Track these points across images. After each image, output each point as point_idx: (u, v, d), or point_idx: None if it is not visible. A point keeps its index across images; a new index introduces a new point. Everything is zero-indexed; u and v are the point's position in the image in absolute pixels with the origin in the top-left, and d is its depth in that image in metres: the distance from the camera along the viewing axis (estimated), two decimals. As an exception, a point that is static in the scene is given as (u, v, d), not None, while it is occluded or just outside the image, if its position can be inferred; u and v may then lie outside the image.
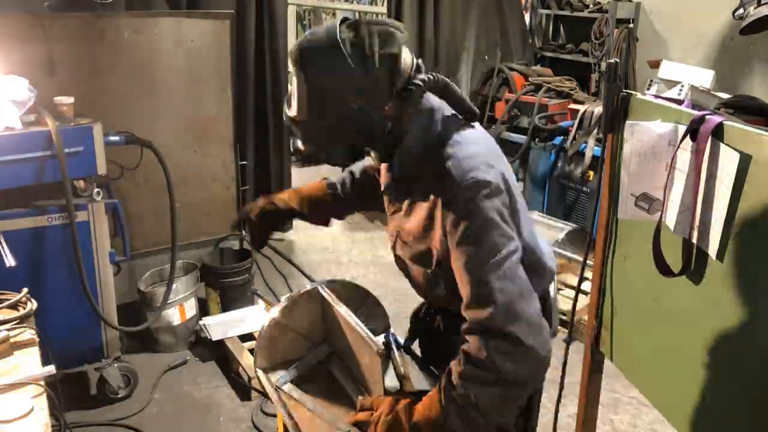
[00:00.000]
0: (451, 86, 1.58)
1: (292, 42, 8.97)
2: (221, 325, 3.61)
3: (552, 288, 1.80)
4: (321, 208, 2.04)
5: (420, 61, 1.56)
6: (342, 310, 1.75)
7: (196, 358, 3.57)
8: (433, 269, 1.60)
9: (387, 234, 1.80)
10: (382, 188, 1.79)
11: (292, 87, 1.52)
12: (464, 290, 1.46)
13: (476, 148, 1.52)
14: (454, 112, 1.61)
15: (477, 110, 1.62)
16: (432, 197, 1.53)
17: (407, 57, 1.51)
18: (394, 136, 1.54)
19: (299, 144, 1.62)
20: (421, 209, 1.57)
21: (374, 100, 1.47)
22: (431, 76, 1.53)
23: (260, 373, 1.86)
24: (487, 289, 1.40)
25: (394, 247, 1.74)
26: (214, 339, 3.51)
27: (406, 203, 1.65)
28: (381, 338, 1.81)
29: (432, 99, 1.57)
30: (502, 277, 1.41)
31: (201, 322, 3.61)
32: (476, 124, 1.65)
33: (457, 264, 1.47)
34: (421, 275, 1.68)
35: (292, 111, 1.53)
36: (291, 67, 1.51)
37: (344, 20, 1.50)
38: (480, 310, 1.41)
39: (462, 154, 1.49)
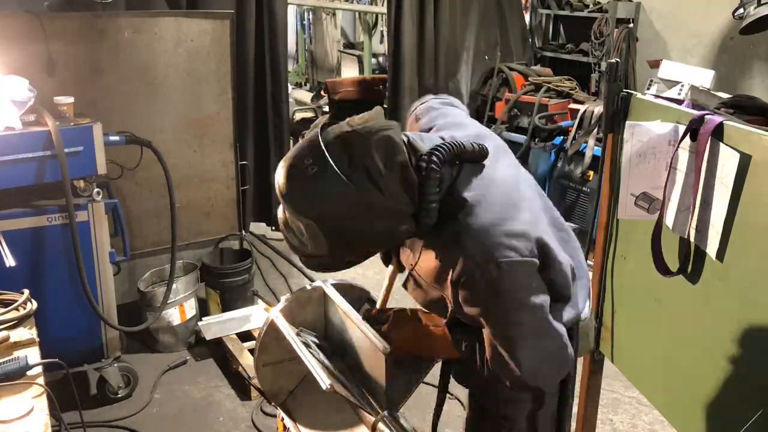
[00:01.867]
0: (460, 148, 1.40)
1: (292, 42, 8.98)
2: (220, 325, 3.61)
3: (586, 308, 1.64)
4: None
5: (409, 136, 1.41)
6: (347, 309, 1.75)
7: (196, 358, 3.56)
8: (448, 319, 1.53)
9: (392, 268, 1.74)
10: None
11: (297, 225, 1.37)
12: (488, 343, 1.42)
13: (494, 212, 1.36)
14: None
15: (484, 149, 1.44)
16: (447, 255, 1.41)
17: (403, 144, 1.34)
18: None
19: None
20: (435, 256, 1.45)
21: (398, 215, 1.34)
22: (433, 154, 1.35)
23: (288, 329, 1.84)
24: (512, 361, 1.38)
25: (405, 286, 1.65)
26: (208, 338, 3.51)
27: (420, 245, 1.53)
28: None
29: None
30: (527, 347, 1.38)
31: (199, 323, 3.62)
32: (492, 161, 1.47)
33: (481, 323, 1.41)
34: (433, 319, 1.62)
35: (307, 248, 1.40)
36: (284, 204, 1.36)
37: (324, 131, 1.33)
38: (505, 372, 1.41)
39: (477, 224, 1.34)
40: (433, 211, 1.35)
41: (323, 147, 1.29)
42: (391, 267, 1.77)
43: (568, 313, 1.48)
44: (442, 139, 1.45)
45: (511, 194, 1.43)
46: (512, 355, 1.37)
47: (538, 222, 1.43)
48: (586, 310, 1.61)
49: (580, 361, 2.13)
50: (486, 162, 1.45)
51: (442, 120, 1.61)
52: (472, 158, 1.43)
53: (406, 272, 1.62)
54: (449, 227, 1.38)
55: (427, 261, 1.49)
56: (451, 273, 1.38)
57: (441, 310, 1.53)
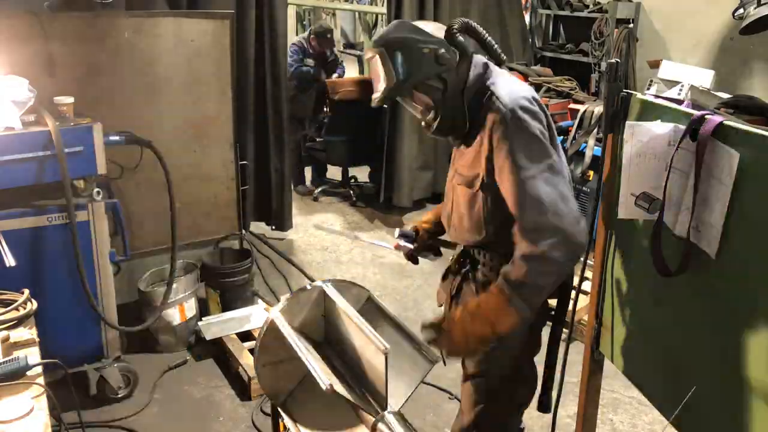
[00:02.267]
0: (481, 31, 1.83)
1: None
2: (220, 325, 3.61)
3: None
4: None
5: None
6: (347, 309, 1.75)
7: (196, 358, 3.57)
8: (476, 189, 1.83)
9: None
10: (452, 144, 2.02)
11: (374, 69, 1.81)
12: (511, 198, 1.71)
13: (516, 84, 1.82)
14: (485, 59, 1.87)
15: (504, 56, 1.87)
16: (483, 130, 1.78)
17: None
18: (462, 82, 1.81)
19: (425, 121, 1.91)
20: (474, 143, 1.83)
21: (439, 42, 1.78)
22: (462, 21, 1.80)
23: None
24: (534, 197, 1.66)
25: (450, 180, 2.00)
26: (208, 338, 3.52)
27: (464, 147, 1.89)
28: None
29: (474, 56, 1.85)
30: (545, 181, 1.68)
31: (199, 323, 3.62)
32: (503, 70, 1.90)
33: (504, 174, 1.71)
34: (464, 197, 1.89)
35: (381, 84, 1.81)
36: (371, 55, 1.81)
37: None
38: (529, 211, 1.67)
39: (506, 85, 1.79)
40: (458, 40, 1.79)
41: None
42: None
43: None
44: None
45: (524, 84, 1.88)
46: (533, 189, 1.66)
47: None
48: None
49: (575, 359, 2.13)
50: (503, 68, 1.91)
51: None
52: (491, 54, 1.85)
53: (453, 172, 1.97)
54: (483, 99, 1.79)
55: (468, 153, 1.86)
56: (487, 134, 1.75)
57: (473, 183, 1.85)
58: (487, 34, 1.85)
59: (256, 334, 3.44)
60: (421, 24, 1.87)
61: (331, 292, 1.85)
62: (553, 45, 6.57)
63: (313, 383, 1.82)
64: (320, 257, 4.89)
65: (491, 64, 1.87)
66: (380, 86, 1.82)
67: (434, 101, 1.83)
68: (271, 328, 1.86)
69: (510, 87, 1.79)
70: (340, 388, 1.66)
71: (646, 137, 1.64)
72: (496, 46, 1.85)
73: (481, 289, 1.88)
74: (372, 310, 1.98)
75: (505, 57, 1.88)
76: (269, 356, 1.91)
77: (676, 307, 1.68)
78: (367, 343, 1.66)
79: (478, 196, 1.84)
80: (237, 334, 3.55)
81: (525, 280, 1.68)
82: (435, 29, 1.83)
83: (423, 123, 1.94)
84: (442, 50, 1.78)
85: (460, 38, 1.79)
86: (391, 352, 1.58)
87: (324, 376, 1.63)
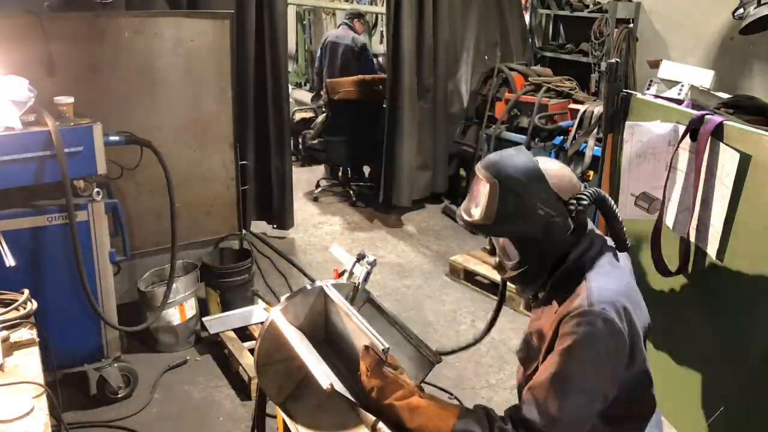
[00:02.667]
0: (609, 202, 1.62)
1: (292, 42, 8.98)
2: (222, 320, 3.63)
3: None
4: None
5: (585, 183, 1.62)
6: (347, 309, 1.75)
7: (196, 358, 3.57)
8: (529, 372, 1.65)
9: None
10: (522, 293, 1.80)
11: (478, 193, 1.62)
12: (535, 390, 1.50)
13: (618, 285, 1.55)
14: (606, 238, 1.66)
15: (629, 241, 1.63)
16: (560, 308, 1.56)
17: (575, 177, 1.61)
18: (562, 252, 1.60)
19: (502, 263, 1.70)
20: (545, 319, 1.61)
21: (558, 210, 1.56)
22: (596, 191, 1.58)
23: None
24: (551, 404, 1.46)
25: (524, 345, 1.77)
26: (212, 332, 3.53)
27: (541, 309, 1.68)
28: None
29: (592, 231, 1.63)
30: (576, 402, 1.46)
31: (203, 318, 3.64)
32: (622, 256, 1.66)
33: (544, 365, 1.52)
34: (521, 377, 1.72)
35: (476, 214, 1.61)
36: (482, 176, 1.60)
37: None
38: (536, 412, 1.48)
39: (602, 283, 1.53)
40: (582, 214, 1.56)
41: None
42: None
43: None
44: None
45: (635, 291, 1.60)
46: (561, 399, 1.45)
47: (642, 312, 1.59)
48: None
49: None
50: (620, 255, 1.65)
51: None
52: (615, 236, 1.63)
53: (527, 336, 1.72)
54: (576, 281, 1.56)
55: (544, 317, 1.63)
56: (560, 311, 1.54)
57: (529, 367, 1.65)
58: (618, 213, 1.62)
59: (256, 334, 3.45)
60: (548, 166, 1.61)
61: (332, 292, 1.84)
62: (553, 45, 6.57)
63: (313, 383, 1.82)
64: (320, 257, 4.89)
65: (605, 247, 1.64)
66: (473, 211, 1.64)
67: (521, 257, 1.65)
68: (272, 328, 1.86)
69: (606, 287, 1.54)
70: (340, 388, 1.66)
71: (646, 137, 1.64)
72: (624, 228, 1.64)
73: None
74: (372, 310, 1.98)
75: (630, 243, 1.66)
76: (269, 356, 1.91)
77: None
78: (367, 342, 1.66)
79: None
80: (237, 334, 3.55)
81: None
82: (560, 179, 1.59)
83: (497, 259, 1.75)
84: (558, 219, 1.56)
85: (584, 215, 1.58)
86: (390, 352, 1.58)
87: (324, 376, 1.62)
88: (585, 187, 1.60)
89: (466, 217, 1.65)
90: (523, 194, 1.55)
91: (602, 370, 1.47)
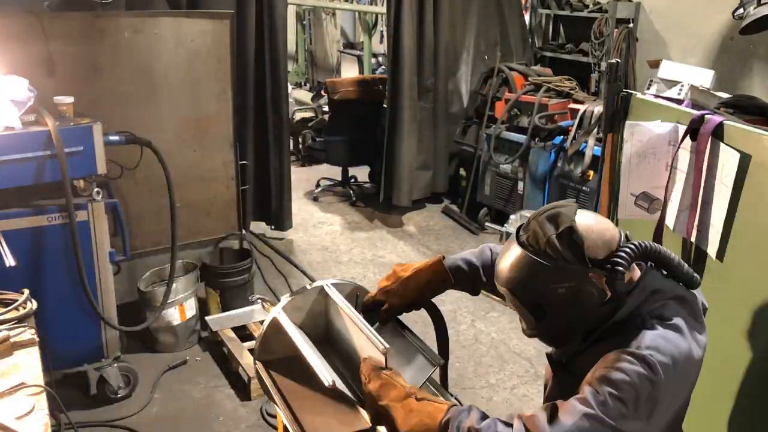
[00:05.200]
0: (665, 254, 1.45)
1: (292, 42, 8.98)
2: (224, 319, 3.64)
3: None
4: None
5: (626, 233, 1.47)
6: (347, 310, 1.75)
7: (196, 358, 3.57)
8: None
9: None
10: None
11: (515, 307, 1.51)
12: (564, 408, 1.35)
13: (679, 341, 1.39)
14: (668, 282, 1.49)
15: (697, 277, 1.48)
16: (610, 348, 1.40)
17: (610, 231, 1.43)
18: (609, 310, 1.44)
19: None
20: (597, 353, 1.43)
21: (574, 276, 1.41)
22: (637, 246, 1.41)
23: (260, 366, 1.86)
24: (569, 425, 1.32)
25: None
26: (214, 330, 3.54)
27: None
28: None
29: (647, 275, 1.46)
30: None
31: (206, 317, 3.65)
32: (696, 298, 1.50)
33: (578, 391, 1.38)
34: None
35: (529, 329, 1.52)
36: (505, 292, 1.49)
37: (519, 230, 1.48)
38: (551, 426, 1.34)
39: (662, 331, 1.38)
40: (621, 275, 1.38)
41: (516, 240, 1.46)
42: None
43: None
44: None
45: (693, 348, 1.42)
46: (575, 423, 1.31)
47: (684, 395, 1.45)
48: None
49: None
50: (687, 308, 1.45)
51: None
52: (678, 278, 1.46)
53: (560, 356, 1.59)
54: (634, 328, 1.39)
55: (589, 358, 1.45)
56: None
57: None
58: (674, 257, 1.46)
59: (255, 334, 3.45)
60: (582, 222, 1.42)
61: (332, 292, 1.84)
62: (553, 45, 6.57)
63: (313, 381, 1.82)
64: (320, 257, 4.89)
65: (671, 295, 1.45)
66: (522, 324, 1.55)
67: (538, 327, 1.51)
68: (273, 325, 1.86)
69: (667, 336, 1.37)
70: (341, 386, 1.66)
71: (646, 137, 1.64)
72: (686, 268, 1.46)
73: None
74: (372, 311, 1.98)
75: (698, 279, 1.48)
76: (270, 354, 1.91)
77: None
78: (367, 343, 1.65)
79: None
80: (237, 334, 3.55)
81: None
82: (593, 241, 1.41)
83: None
84: (588, 287, 1.40)
85: (621, 283, 1.39)
86: (392, 353, 1.58)
87: (326, 372, 1.63)
88: (625, 238, 1.45)
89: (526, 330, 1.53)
90: (533, 290, 1.44)
91: (632, 407, 1.32)
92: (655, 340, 1.36)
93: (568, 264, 1.40)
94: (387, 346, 1.56)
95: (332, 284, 1.89)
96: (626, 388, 1.31)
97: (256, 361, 1.89)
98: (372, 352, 1.64)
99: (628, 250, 1.39)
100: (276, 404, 1.78)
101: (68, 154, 2.72)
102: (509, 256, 1.47)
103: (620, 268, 1.37)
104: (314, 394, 1.78)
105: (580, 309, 1.43)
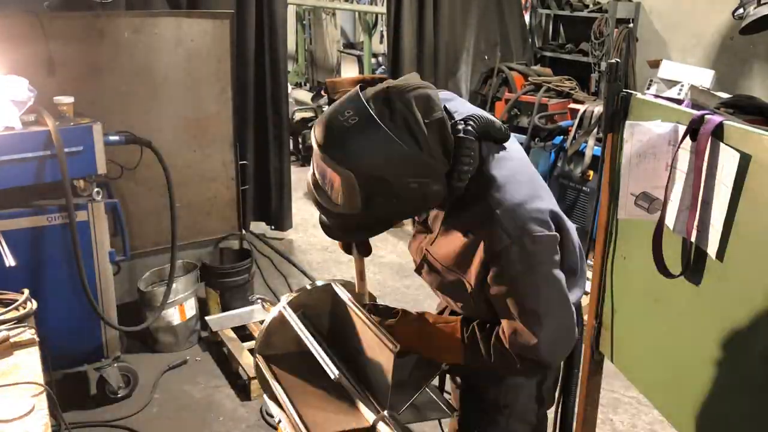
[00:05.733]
0: (488, 123, 1.44)
1: (292, 42, 8.98)
2: (224, 319, 3.64)
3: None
4: None
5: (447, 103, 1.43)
6: (357, 308, 1.75)
7: (196, 358, 3.57)
8: (464, 303, 1.56)
9: (409, 251, 1.76)
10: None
11: (330, 179, 1.37)
12: (507, 323, 1.45)
13: (524, 190, 1.42)
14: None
15: (507, 130, 1.49)
16: (473, 236, 1.44)
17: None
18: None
19: (338, 234, 1.52)
20: (457, 239, 1.48)
21: (434, 173, 1.34)
22: (468, 120, 1.39)
23: (260, 359, 1.86)
24: (535, 337, 1.41)
25: (418, 270, 1.68)
26: (214, 330, 3.54)
27: (439, 228, 1.55)
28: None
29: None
30: (551, 321, 1.43)
31: (206, 317, 3.65)
32: (509, 143, 1.52)
33: (502, 303, 1.44)
34: (450, 302, 1.66)
35: (338, 206, 1.39)
36: (322, 155, 1.35)
37: (363, 89, 1.37)
38: (525, 338, 1.43)
39: (510, 201, 1.39)
40: (465, 174, 1.36)
41: (364, 100, 1.32)
42: (355, 256, 1.79)
43: (577, 292, 1.57)
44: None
45: (531, 174, 1.53)
46: (536, 330, 1.41)
47: (551, 197, 1.54)
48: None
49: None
50: (505, 143, 1.50)
51: (462, 108, 1.56)
52: (498, 137, 1.47)
53: (420, 256, 1.64)
54: (480, 204, 1.41)
55: (446, 244, 1.51)
56: (479, 251, 1.41)
57: (458, 294, 1.55)
58: (491, 120, 1.44)
59: (256, 334, 3.44)
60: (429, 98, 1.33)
61: (339, 290, 1.84)
62: (553, 45, 6.57)
63: (313, 379, 1.82)
64: (320, 257, 4.88)
65: (490, 148, 1.45)
66: (326, 205, 1.42)
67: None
68: (277, 319, 1.86)
69: (517, 200, 1.39)
70: (345, 383, 1.67)
71: (646, 137, 1.64)
72: (496, 122, 1.45)
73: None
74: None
75: (509, 131, 1.49)
76: (272, 349, 1.91)
77: (677, 307, 1.68)
78: (375, 342, 1.65)
79: (469, 309, 1.58)
80: (237, 334, 3.55)
81: (500, 359, 1.48)
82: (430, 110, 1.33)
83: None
84: (438, 187, 1.35)
85: (465, 180, 1.36)
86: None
87: (333, 366, 1.63)
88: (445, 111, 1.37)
89: (328, 207, 1.41)
90: (389, 178, 1.30)
91: (554, 281, 1.42)
92: (514, 214, 1.38)
93: (432, 159, 1.31)
94: (397, 344, 1.56)
95: (339, 283, 1.90)
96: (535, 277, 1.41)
97: (257, 354, 1.89)
98: (380, 351, 1.64)
99: (469, 145, 1.35)
100: (276, 398, 1.78)
101: (68, 154, 2.72)
102: (340, 186, 1.33)
103: (467, 168, 1.35)
104: (315, 390, 1.78)
105: (418, 204, 1.38)
